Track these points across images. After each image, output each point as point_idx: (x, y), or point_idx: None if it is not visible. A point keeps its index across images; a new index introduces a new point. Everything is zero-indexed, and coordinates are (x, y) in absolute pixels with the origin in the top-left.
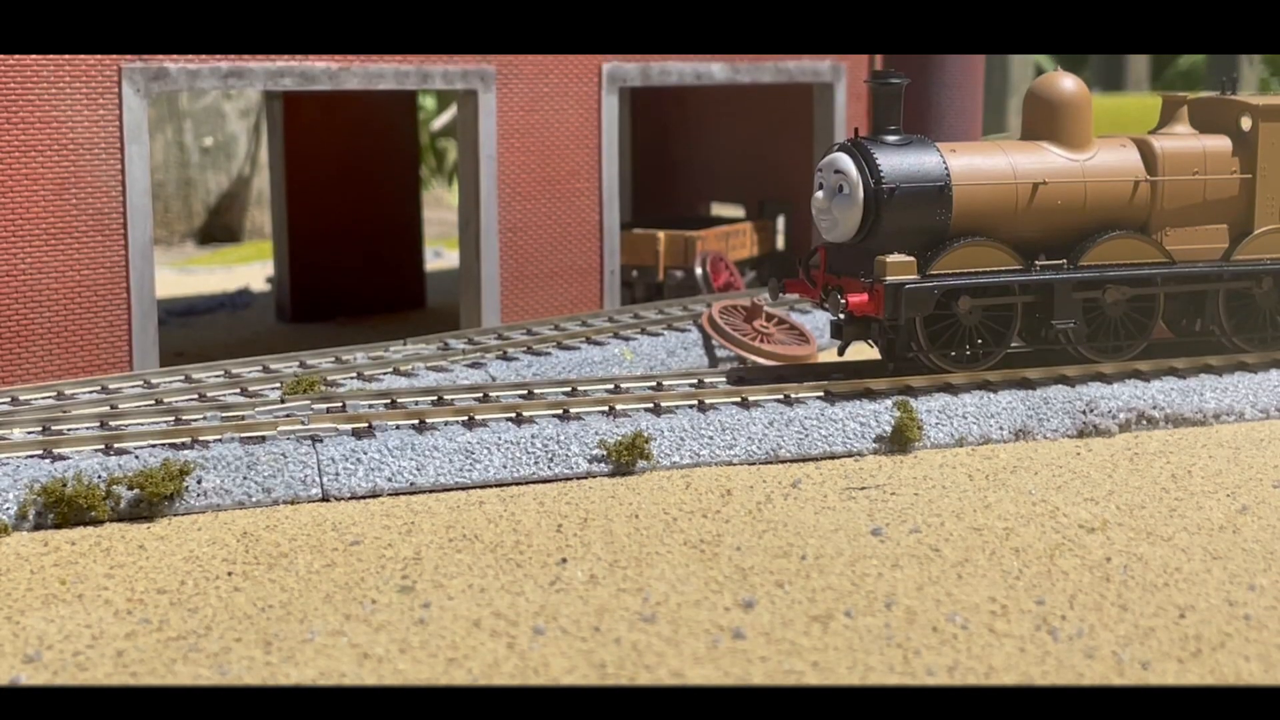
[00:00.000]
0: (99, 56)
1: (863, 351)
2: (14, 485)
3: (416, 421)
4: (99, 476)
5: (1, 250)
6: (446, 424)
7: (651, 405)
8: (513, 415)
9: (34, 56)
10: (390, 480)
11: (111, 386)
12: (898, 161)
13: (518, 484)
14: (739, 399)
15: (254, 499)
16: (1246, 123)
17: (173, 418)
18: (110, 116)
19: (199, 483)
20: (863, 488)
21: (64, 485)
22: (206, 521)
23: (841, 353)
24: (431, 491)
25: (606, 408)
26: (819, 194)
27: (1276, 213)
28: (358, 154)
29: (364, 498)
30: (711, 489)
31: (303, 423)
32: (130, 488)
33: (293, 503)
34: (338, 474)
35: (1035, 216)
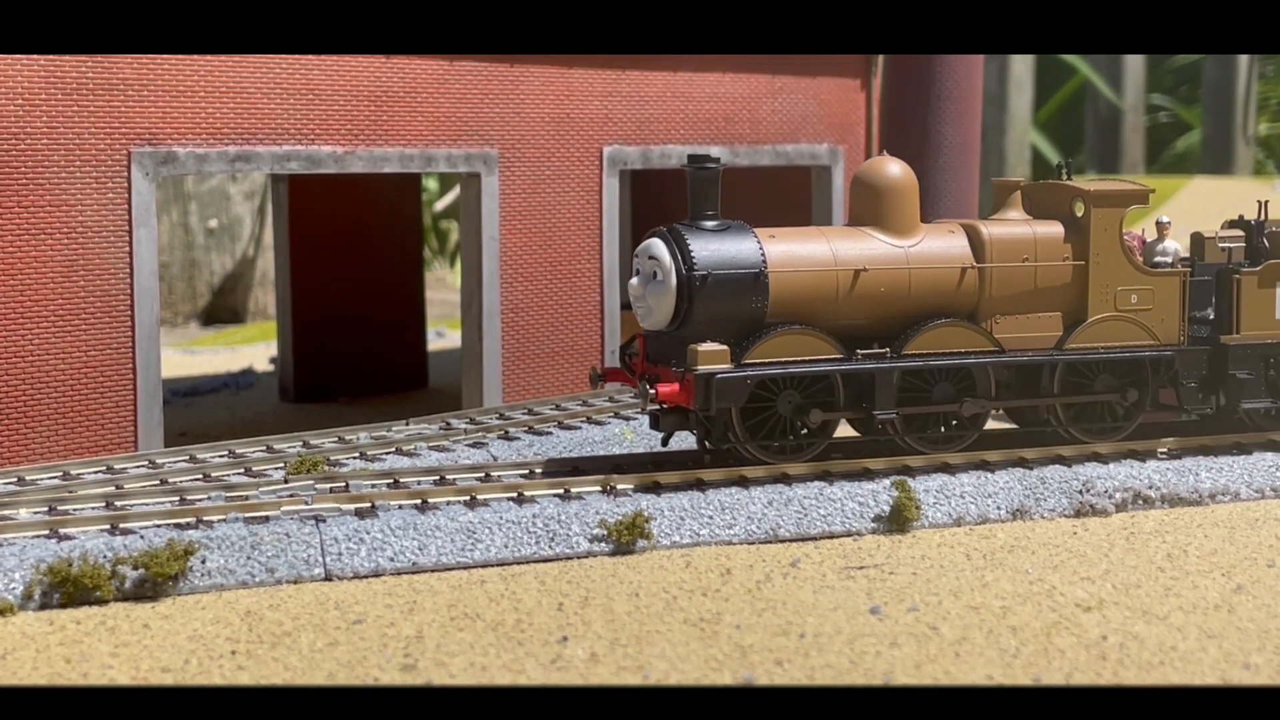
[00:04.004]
0: (109, 141)
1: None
2: (20, 565)
3: (419, 501)
4: (104, 556)
5: (10, 332)
6: (448, 504)
7: (651, 485)
8: (514, 495)
9: (45, 141)
10: (393, 560)
11: (117, 466)
12: (712, 248)
13: (519, 563)
14: (737, 478)
15: (257, 578)
16: (1079, 208)
17: (177, 498)
18: (119, 200)
19: (203, 562)
20: (861, 567)
21: (69, 565)
22: (210, 601)
23: (665, 443)
24: (434, 571)
25: (604, 488)
26: (634, 280)
27: (1111, 300)
28: (361, 235)
29: (367, 577)
30: (711, 568)
31: (306, 503)
32: (135, 567)
33: (296, 582)
34: (340, 554)
35: (858, 304)
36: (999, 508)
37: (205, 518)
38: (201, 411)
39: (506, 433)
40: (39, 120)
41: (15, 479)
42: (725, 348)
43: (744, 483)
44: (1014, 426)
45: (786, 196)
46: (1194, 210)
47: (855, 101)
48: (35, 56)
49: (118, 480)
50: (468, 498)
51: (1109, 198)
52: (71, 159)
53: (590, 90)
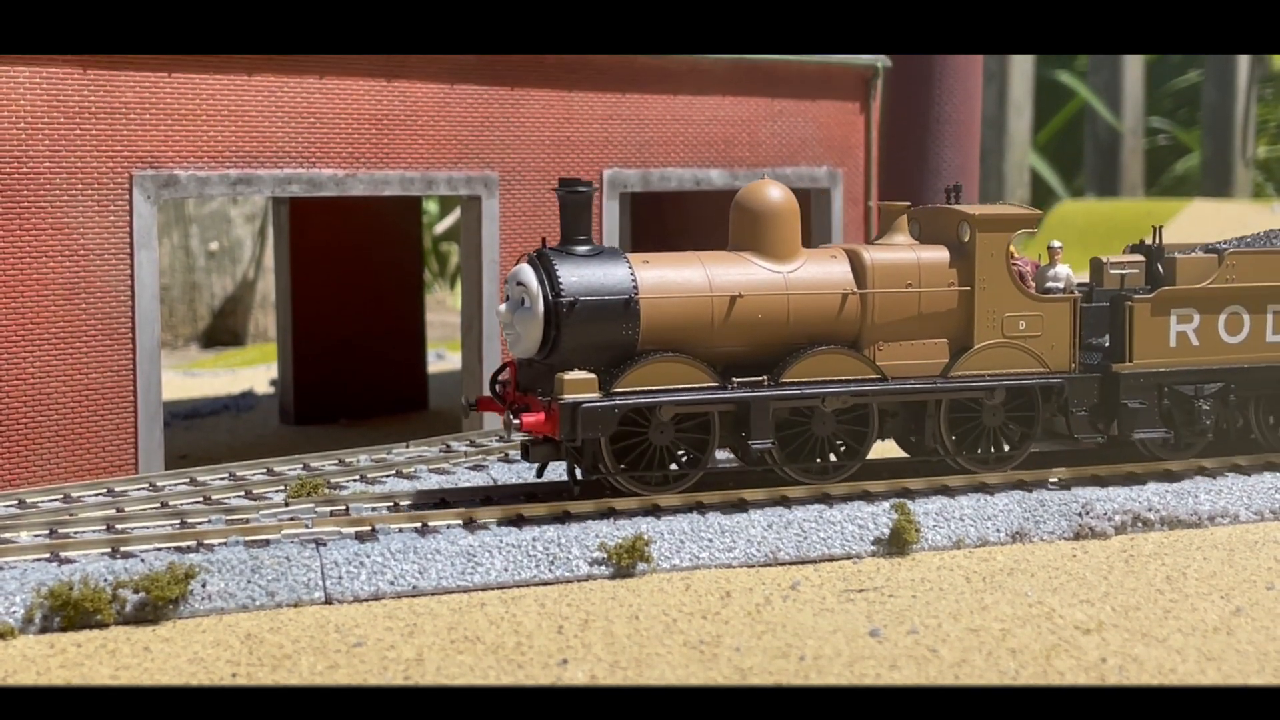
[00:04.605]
0: (110, 163)
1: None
2: (21, 589)
3: (419, 524)
4: (105, 580)
5: (11, 354)
6: (449, 527)
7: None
8: (514, 518)
9: (47, 164)
10: (393, 583)
11: (117, 489)
12: (581, 274)
13: (519, 586)
14: (737, 501)
15: (258, 602)
16: (965, 233)
17: (178, 521)
18: (121, 223)
19: (204, 586)
20: (861, 590)
21: (70, 588)
22: (211, 624)
23: (540, 474)
24: (434, 594)
25: (605, 510)
26: (502, 307)
27: (998, 326)
28: (362, 258)
29: (367, 600)
30: (711, 590)
31: (306, 526)
32: (136, 591)
33: (296, 605)
34: (341, 577)
35: (735, 331)
36: (998, 530)
37: (206, 541)
38: (202, 434)
39: (506, 455)
40: (41, 143)
41: (16, 501)
42: (593, 376)
43: (744, 506)
44: (905, 455)
45: None
46: (1193, 233)
47: (854, 124)
48: (37, 78)
49: (118, 503)
50: (467, 520)
51: (995, 222)
52: (74, 182)
53: (590, 113)
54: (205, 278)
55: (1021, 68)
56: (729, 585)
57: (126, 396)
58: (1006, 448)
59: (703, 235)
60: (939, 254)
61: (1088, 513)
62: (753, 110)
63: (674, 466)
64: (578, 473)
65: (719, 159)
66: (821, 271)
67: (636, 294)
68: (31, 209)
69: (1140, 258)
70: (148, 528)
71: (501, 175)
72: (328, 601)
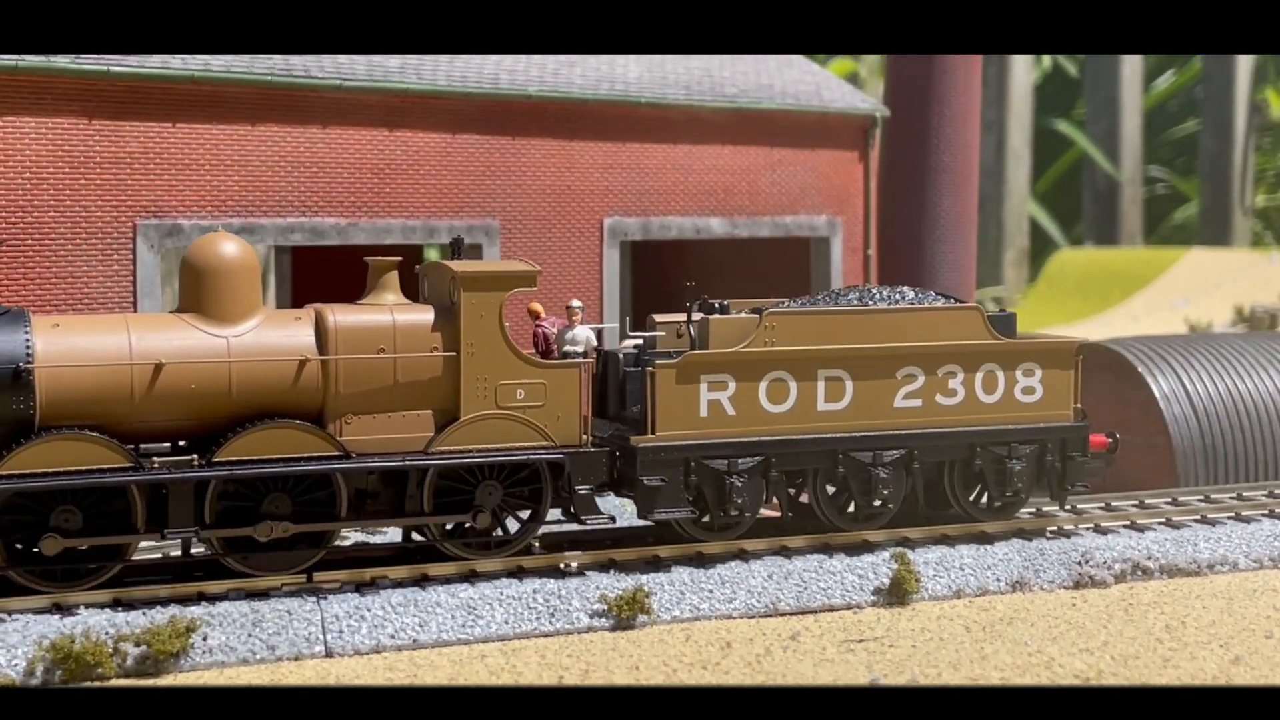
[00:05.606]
0: (114, 213)
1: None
2: (23, 641)
3: (419, 576)
4: (107, 633)
5: None
6: (448, 579)
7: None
8: (514, 569)
9: (51, 213)
10: (393, 636)
11: None
12: None
13: (520, 638)
14: (738, 551)
15: (259, 655)
16: (455, 291)
17: (179, 572)
18: (124, 272)
19: (205, 639)
20: (861, 640)
21: (72, 642)
22: (212, 678)
23: None
24: (434, 647)
25: (606, 561)
26: None
27: (491, 396)
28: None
29: (368, 653)
30: (711, 641)
31: (307, 579)
32: (137, 644)
33: (297, 659)
34: (342, 630)
35: (165, 403)
36: (998, 579)
37: (207, 593)
38: None
39: None
40: (46, 193)
41: None
42: None
43: (744, 556)
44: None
45: (785, 267)
46: (1192, 282)
47: (853, 173)
48: (43, 128)
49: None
50: (468, 573)
51: (483, 280)
52: (78, 231)
53: (591, 162)
54: None
55: (1020, 117)
56: (729, 636)
57: None
58: (515, 527)
59: (704, 284)
60: (421, 316)
61: (1087, 561)
62: (752, 159)
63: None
64: None
65: (719, 208)
66: (277, 336)
67: (30, 363)
68: (37, 258)
69: (680, 317)
70: (149, 579)
71: (503, 224)
72: (328, 654)
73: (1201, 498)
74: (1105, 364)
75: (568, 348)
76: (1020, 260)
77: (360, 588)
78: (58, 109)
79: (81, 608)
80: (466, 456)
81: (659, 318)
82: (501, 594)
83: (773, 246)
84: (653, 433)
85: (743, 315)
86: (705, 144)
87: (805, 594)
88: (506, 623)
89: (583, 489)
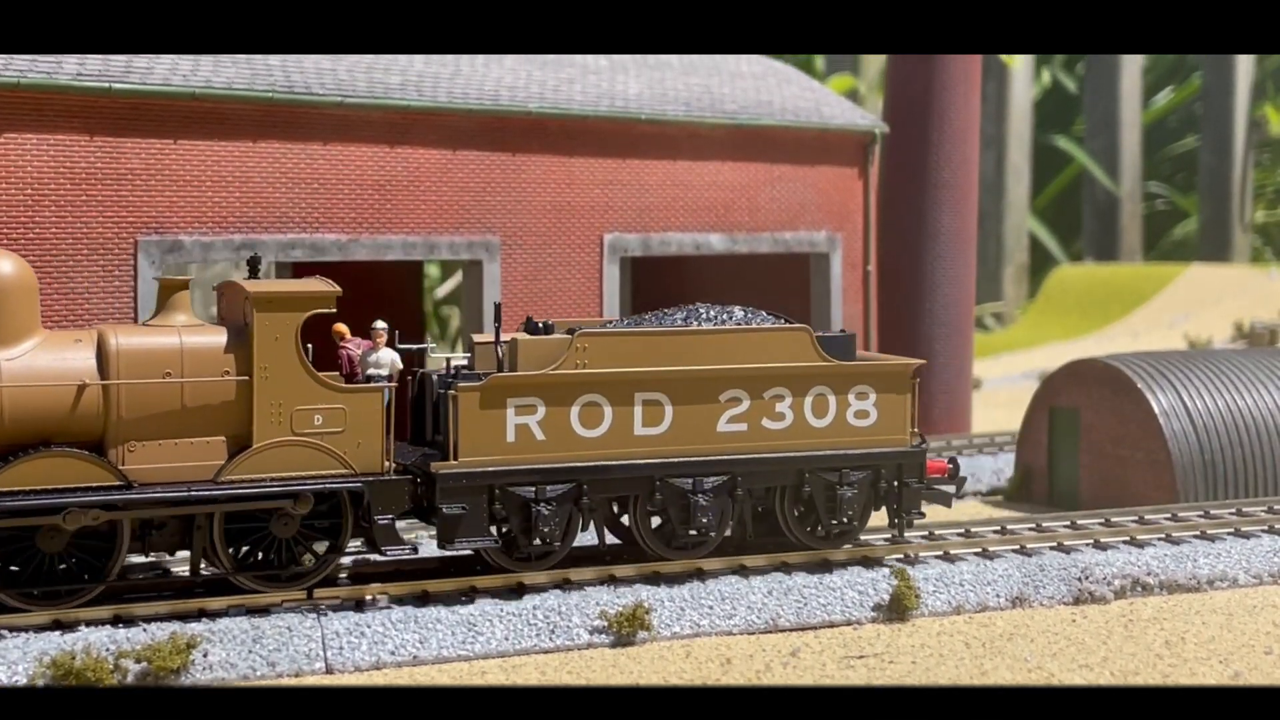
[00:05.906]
0: (116, 229)
1: None
2: (24, 658)
3: (420, 593)
4: (107, 649)
5: None
6: (448, 596)
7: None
8: (514, 586)
9: (53, 229)
10: (393, 653)
11: None
12: None
13: (520, 655)
14: (738, 567)
15: (259, 672)
16: (249, 312)
17: (179, 589)
18: (125, 288)
19: (205, 656)
20: (861, 656)
21: (73, 658)
22: None
23: None
24: (434, 663)
25: (606, 577)
26: None
27: (286, 422)
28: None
29: (368, 670)
30: (711, 658)
31: (307, 595)
32: (138, 661)
33: (297, 676)
34: (342, 647)
35: None
36: (998, 595)
37: (208, 609)
38: None
39: None
40: (48, 209)
41: None
42: None
43: (744, 572)
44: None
45: (785, 283)
46: (1191, 297)
47: (853, 189)
48: (44, 145)
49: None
50: (468, 589)
51: (277, 300)
52: (80, 247)
53: (591, 179)
54: None
55: (1019, 132)
56: (729, 652)
57: None
58: (311, 560)
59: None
60: (211, 338)
61: (1087, 577)
62: (752, 175)
63: None
64: None
65: (719, 224)
66: (53, 359)
67: None
68: (38, 274)
69: (489, 338)
70: (150, 595)
71: (503, 240)
72: (329, 671)
73: (1201, 513)
74: (1105, 380)
75: (371, 371)
76: (1020, 276)
77: (360, 604)
78: (59, 126)
79: (82, 624)
80: (258, 486)
81: (477, 338)
82: (501, 610)
83: (773, 262)
84: (455, 458)
85: (555, 336)
86: (705, 160)
87: (805, 610)
88: (506, 639)
89: (383, 519)
